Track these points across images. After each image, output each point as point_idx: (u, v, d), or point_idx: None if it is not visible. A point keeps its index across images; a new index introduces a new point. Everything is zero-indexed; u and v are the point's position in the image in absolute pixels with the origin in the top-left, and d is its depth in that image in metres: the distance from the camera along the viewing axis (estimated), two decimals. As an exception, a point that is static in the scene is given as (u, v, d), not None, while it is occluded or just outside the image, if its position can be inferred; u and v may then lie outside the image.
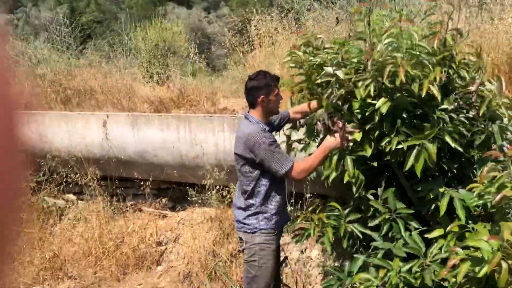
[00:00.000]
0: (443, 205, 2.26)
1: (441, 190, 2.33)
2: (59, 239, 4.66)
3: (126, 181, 5.11)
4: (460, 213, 2.23)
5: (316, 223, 2.56)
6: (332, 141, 2.49)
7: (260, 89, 2.64)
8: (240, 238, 2.82)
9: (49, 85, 6.47)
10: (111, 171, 4.91)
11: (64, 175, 4.89)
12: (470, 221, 2.24)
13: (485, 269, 1.87)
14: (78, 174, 4.80)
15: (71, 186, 5.10)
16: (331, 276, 2.66)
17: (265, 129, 2.65)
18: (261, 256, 2.72)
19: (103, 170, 4.94)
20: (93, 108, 5.93)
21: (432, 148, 2.19)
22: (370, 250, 2.59)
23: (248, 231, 2.73)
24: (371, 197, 2.61)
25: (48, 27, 7.96)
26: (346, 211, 2.67)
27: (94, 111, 5.77)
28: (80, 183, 4.85)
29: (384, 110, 2.26)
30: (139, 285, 4.21)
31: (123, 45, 8.25)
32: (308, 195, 3.98)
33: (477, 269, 1.91)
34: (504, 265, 1.84)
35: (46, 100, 6.36)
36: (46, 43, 7.90)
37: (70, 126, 5.04)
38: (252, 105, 2.71)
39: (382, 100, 2.30)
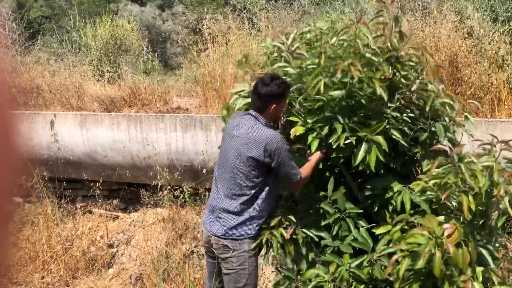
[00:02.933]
0: (407, 201, 2.31)
1: (398, 187, 2.40)
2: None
3: (76, 182, 4.96)
4: (425, 207, 2.29)
5: (279, 241, 2.56)
6: (318, 153, 2.58)
7: (274, 98, 2.48)
8: (225, 246, 2.59)
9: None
10: (59, 172, 4.76)
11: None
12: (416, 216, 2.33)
13: (420, 261, 1.95)
14: (24, 176, 4.61)
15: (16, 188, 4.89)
16: (280, 276, 2.69)
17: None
18: (250, 263, 2.59)
19: (51, 171, 4.77)
20: (40, 107, 5.71)
21: (382, 139, 2.24)
22: (320, 248, 2.64)
23: (237, 237, 2.56)
24: (321, 198, 2.66)
25: (-8, 22, 7.60)
26: (299, 213, 2.69)
27: (41, 110, 5.56)
28: (26, 184, 4.66)
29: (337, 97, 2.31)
30: (89, 288, 4.11)
31: (73, 42, 8.00)
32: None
33: (417, 262, 1.99)
34: (438, 254, 1.93)
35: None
36: (-11, 39, 7.53)
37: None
38: (259, 110, 2.55)
39: (337, 92, 2.36)
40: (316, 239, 2.57)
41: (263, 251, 2.68)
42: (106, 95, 5.73)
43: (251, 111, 2.57)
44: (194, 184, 4.43)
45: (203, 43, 6.70)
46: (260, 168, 2.50)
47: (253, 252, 2.59)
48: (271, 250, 2.63)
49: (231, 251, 2.57)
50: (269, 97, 2.47)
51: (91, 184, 4.53)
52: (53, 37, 9.45)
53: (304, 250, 2.61)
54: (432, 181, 2.17)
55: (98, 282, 4.17)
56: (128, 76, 6.44)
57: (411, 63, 2.57)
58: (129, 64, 7.43)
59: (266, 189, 2.56)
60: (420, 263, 1.98)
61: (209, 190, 4.41)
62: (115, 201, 4.87)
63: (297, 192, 2.70)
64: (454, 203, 2.29)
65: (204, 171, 4.26)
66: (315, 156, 2.61)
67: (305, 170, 2.58)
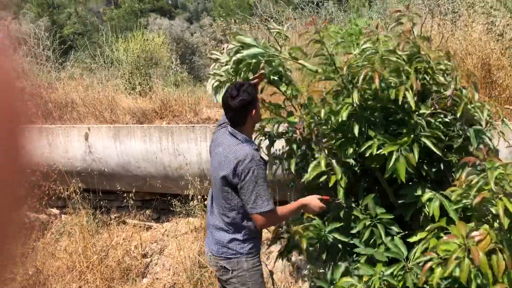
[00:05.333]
0: (436, 208, 2.28)
1: (429, 194, 2.36)
2: (42, 254, 4.60)
3: (110, 193, 5.07)
4: (453, 215, 2.25)
5: (294, 235, 2.55)
6: (313, 205, 2.43)
7: (249, 105, 2.34)
8: (224, 268, 2.48)
9: (30, 99, 6.39)
10: (94, 184, 4.88)
11: (46, 189, 4.84)
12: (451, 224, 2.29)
13: (449, 269, 1.91)
14: (61, 188, 4.75)
15: (53, 199, 5.04)
16: (313, 284, 2.67)
17: (257, 149, 2.44)
18: (254, 281, 2.45)
19: (86, 183, 4.90)
20: (75, 120, 5.89)
21: (411, 154, 2.23)
22: (354, 257, 2.61)
23: (231, 256, 2.45)
24: (351, 204, 2.64)
25: (29, 40, 7.90)
26: (327, 220, 2.68)
27: (75, 123, 5.72)
28: (63, 196, 4.80)
29: (345, 116, 2.30)
30: (124, 298, 4.18)
31: (104, 57, 8.22)
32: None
33: (446, 270, 1.95)
34: (466, 261, 1.89)
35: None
36: (26, 56, 7.84)
37: (51, 139, 5.00)
38: (239, 124, 2.40)
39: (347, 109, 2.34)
40: (339, 245, 2.54)
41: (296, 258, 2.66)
42: (138, 107, 5.86)
43: (229, 128, 2.42)
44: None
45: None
46: (233, 189, 2.35)
47: (254, 269, 2.47)
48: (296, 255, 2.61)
49: (230, 271, 2.46)
50: (244, 107, 2.34)
51: (125, 195, 4.63)
52: (86, 52, 9.75)
53: (324, 255, 2.56)
54: (471, 190, 2.13)
55: (133, 292, 4.24)
56: (159, 88, 6.57)
57: (442, 68, 2.53)
58: (160, 77, 7.57)
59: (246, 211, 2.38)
60: (448, 271, 1.94)
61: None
62: (148, 212, 4.96)
63: (258, 228, 2.45)
64: (493, 210, 2.23)
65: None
66: (300, 204, 2.45)
67: (281, 210, 2.39)
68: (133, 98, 6.69)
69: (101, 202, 4.96)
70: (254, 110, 2.37)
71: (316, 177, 2.53)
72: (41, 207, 5.05)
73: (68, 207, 4.89)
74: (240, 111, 2.34)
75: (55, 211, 5.30)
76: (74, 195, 4.71)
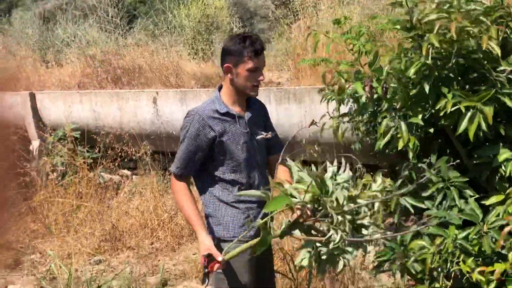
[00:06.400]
0: None
1: (507, 154, 2.24)
2: (117, 212, 4.89)
3: (177, 155, 5.26)
4: None
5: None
6: (201, 248, 1.96)
7: (229, 54, 2.03)
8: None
9: (100, 65, 6.70)
10: (163, 146, 5.07)
11: (118, 151, 5.10)
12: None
13: None
14: (132, 150, 4.98)
15: (125, 161, 5.31)
16: (383, 247, 2.64)
17: (216, 110, 2.09)
18: (230, 269, 2.05)
19: (155, 145, 5.10)
20: (143, 86, 6.10)
21: (489, 110, 2.11)
22: (424, 218, 2.55)
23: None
24: (424, 166, 2.56)
25: (96, 10, 8.19)
26: (398, 183, 2.62)
27: (143, 88, 5.93)
28: (134, 158, 5.05)
29: (412, 73, 2.20)
30: (193, 254, 4.37)
31: (168, 23, 8.36)
32: (358, 165, 3.95)
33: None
34: None
35: (98, 79, 6.61)
36: (94, 25, 8.15)
37: (121, 103, 5.22)
38: (224, 74, 2.13)
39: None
40: (411, 209, 2.48)
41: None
42: (201, 72, 5.97)
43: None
44: (289, 156, 4.48)
45: (293, 15, 6.66)
46: None
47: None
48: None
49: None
50: (223, 52, 2.06)
51: (192, 157, 4.78)
52: (150, 19, 9.97)
53: (396, 218, 2.52)
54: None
55: (201, 249, 4.43)
56: (221, 52, 6.63)
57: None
58: (221, 42, 7.63)
59: (208, 179, 2.13)
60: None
61: (303, 162, 4.44)
62: (214, 173, 5.09)
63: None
64: None
65: (299, 143, 4.29)
66: (198, 227, 2.00)
67: (186, 200, 2.05)
68: (197, 63, 6.82)
69: (170, 164, 5.15)
70: (229, 65, 2.04)
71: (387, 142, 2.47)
72: (114, 168, 5.33)
73: (139, 168, 5.13)
74: (221, 55, 2.09)
75: (127, 172, 5.58)
76: (144, 156, 4.94)
